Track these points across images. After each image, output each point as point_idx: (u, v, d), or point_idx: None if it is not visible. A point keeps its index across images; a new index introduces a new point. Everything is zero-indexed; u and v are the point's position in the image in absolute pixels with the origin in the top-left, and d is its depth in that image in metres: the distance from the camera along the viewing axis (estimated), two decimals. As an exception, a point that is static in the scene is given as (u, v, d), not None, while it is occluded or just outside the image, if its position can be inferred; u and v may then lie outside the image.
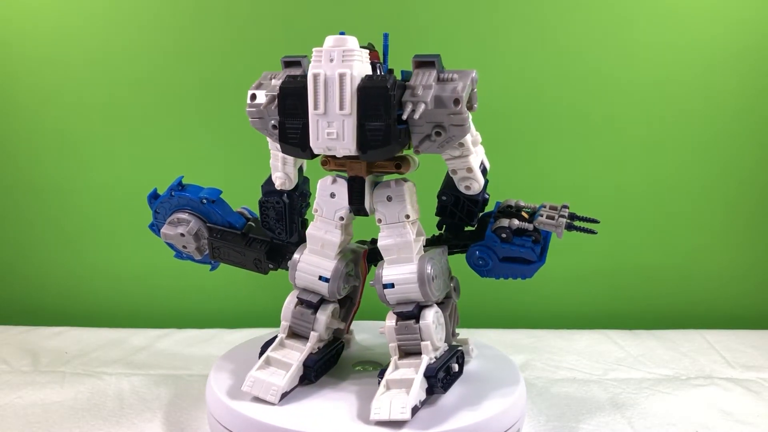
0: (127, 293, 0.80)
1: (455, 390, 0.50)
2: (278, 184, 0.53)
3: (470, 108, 0.46)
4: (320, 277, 0.51)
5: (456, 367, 0.50)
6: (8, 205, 0.79)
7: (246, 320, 0.78)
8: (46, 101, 0.77)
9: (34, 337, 0.74)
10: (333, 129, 0.44)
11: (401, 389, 0.46)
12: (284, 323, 0.52)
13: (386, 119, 0.43)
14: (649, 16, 0.76)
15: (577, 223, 0.50)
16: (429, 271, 0.48)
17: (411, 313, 0.48)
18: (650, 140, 0.78)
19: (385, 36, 0.47)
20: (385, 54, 0.47)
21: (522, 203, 0.52)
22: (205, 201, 0.55)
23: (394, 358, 0.49)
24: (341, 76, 0.43)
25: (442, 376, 0.48)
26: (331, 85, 0.43)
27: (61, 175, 0.78)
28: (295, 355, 0.51)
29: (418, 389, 0.45)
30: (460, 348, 0.52)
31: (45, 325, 0.77)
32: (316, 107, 0.44)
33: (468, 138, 0.46)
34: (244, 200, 0.80)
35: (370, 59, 0.46)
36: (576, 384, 0.63)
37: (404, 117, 0.43)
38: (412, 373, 0.47)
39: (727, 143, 0.78)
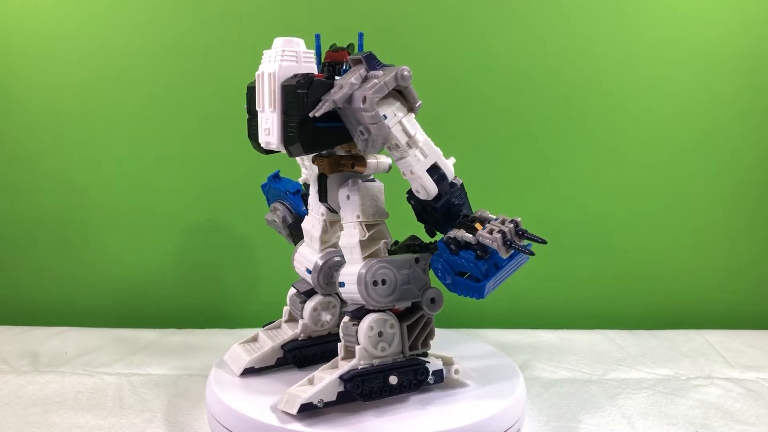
0: (127, 293, 0.80)
1: (455, 390, 0.50)
2: (302, 179, 0.56)
3: (411, 109, 0.45)
4: (306, 269, 0.53)
5: (394, 380, 0.47)
6: (8, 205, 0.79)
7: (246, 320, 0.78)
8: (47, 100, 0.77)
9: (34, 337, 0.74)
10: (267, 125, 0.46)
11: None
12: (285, 308, 0.56)
13: (296, 117, 0.44)
14: (649, 17, 0.76)
15: (521, 241, 0.44)
16: (370, 275, 0.46)
17: (353, 314, 0.48)
18: (649, 140, 0.78)
19: (360, 35, 0.48)
20: None
21: (486, 214, 0.47)
22: (287, 193, 0.58)
23: (339, 356, 0.49)
24: (268, 75, 0.45)
25: (375, 386, 0.47)
26: (264, 83, 0.46)
27: (62, 175, 0.78)
28: (283, 338, 0.54)
29: (321, 388, 0.46)
30: (424, 363, 0.49)
31: (45, 325, 0.77)
32: (258, 105, 0.47)
33: (402, 139, 0.45)
34: (247, 198, 0.80)
35: (334, 59, 0.47)
36: (576, 384, 0.63)
37: (310, 114, 0.43)
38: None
39: (727, 143, 0.78)
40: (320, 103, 0.43)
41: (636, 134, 0.78)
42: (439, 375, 0.50)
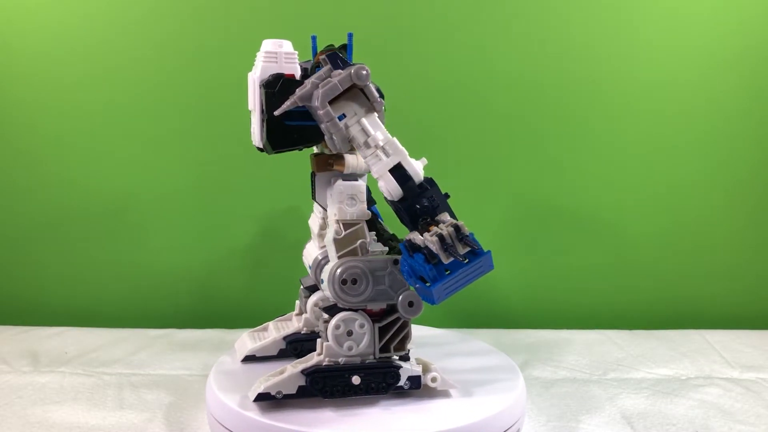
0: (127, 293, 0.80)
1: (455, 389, 0.50)
2: None
3: (372, 109, 0.45)
4: (308, 265, 0.53)
5: (357, 380, 0.47)
6: (8, 204, 0.79)
7: (246, 320, 0.78)
8: (46, 100, 0.77)
9: (34, 337, 0.73)
10: (254, 124, 0.49)
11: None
12: (297, 301, 0.58)
13: (266, 115, 0.46)
14: (649, 18, 0.76)
15: (458, 247, 0.42)
16: (339, 273, 0.46)
17: (326, 311, 0.48)
18: (650, 140, 0.78)
19: (349, 36, 0.48)
20: (349, 54, 0.48)
21: (443, 217, 0.44)
22: None
23: (316, 351, 0.49)
24: (252, 77, 0.48)
25: (338, 384, 0.47)
26: (250, 84, 0.48)
27: (61, 175, 0.78)
28: (289, 330, 0.56)
29: (281, 380, 0.46)
30: (397, 368, 0.48)
31: (45, 325, 0.77)
32: (249, 105, 0.49)
33: (360, 138, 0.45)
34: (249, 197, 0.80)
35: (318, 60, 0.47)
36: (576, 384, 0.63)
37: (274, 113, 0.45)
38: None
39: (727, 142, 0.78)
40: (285, 102, 0.45)
41: (636, 135, 0.78)
42: (415, 381, 0.48)
